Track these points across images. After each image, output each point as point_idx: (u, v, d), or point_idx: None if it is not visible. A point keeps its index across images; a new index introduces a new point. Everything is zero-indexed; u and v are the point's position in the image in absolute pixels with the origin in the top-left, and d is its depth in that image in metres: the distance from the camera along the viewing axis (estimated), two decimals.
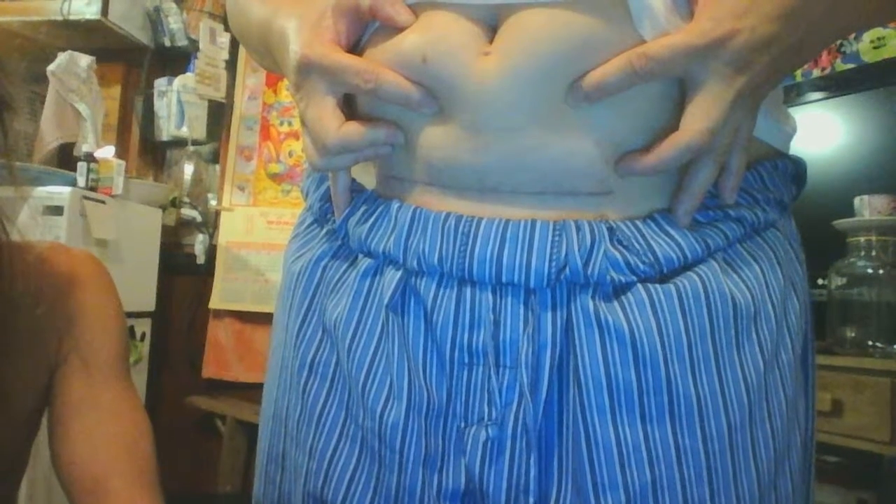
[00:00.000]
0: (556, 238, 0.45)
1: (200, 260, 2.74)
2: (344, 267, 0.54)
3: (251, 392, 2.51)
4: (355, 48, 0.49)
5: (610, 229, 0.46)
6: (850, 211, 1.53)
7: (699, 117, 0.42)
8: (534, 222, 0.46)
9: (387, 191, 0.52)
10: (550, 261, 0.45)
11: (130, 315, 0.72)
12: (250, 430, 2.49)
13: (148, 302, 2.52)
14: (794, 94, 1.81)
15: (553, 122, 0.45)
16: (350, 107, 0.51)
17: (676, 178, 0.47)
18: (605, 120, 0.45)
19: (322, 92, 0.47)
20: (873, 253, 1.46)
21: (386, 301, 0.50)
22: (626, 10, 0.43)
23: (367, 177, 0.54)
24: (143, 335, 2.50)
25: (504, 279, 0.46)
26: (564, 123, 0.45)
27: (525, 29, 0.44)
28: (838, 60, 1.77)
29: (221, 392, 2.61)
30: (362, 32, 0.50)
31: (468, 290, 0.47)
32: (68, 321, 0.65)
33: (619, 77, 0.42)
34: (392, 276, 0.50)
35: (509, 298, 0.47)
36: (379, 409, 0.50)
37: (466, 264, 0.46)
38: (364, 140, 0.47)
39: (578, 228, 0.45)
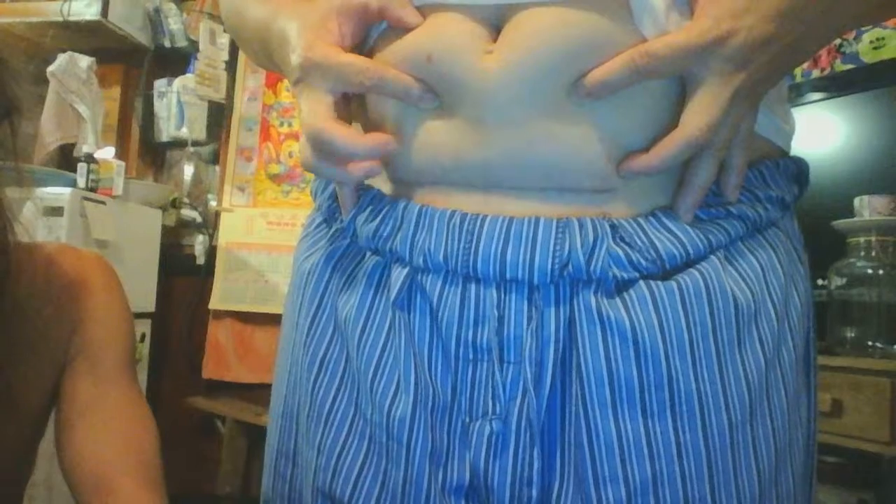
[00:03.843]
0: (560, 235, 0.46)
1: (200, 261, 2.74)
2: (353, 265, 0.55)
3: (251, 393, 2.51)
4: (360, 50, 0.50)
5: (612, 226, 0.46)
6: (849, 211, 1.53)
7: (698, 114, 0.43)
8: (537, 220, 0.46)
9: (393, 190, 0.53)
10: (553, 257, 0.46)
11: None
12: (250, 431, 2.49)
13: (148, 303, 2.53)
14: (793, 95, 1.81)
15: (556, 119, 0.45)
16: (361, 109, 0.51)
17: (678, 175, 0.47)
18: (608, 117, 0.45)
19: (321, 91, 0.48)
20: (873, 253, 1.47)
21: (392, 298, 0.50)
22: (627, 8, 0.44)
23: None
24: (143, 336, 2.50)
25: (508, 276, 0.47)
26: (567, 120, 0.45)
27: (527, 27, 0.45)
28: (838, 61, 1.78)
29: (221, 393, 2.61)
30: (367, 34, 0.50)
31: (473, 287, 0.48)
32: (76, 323, 0.65)
33: (622, 74, 0.43)
34: (398, 274, 0.50)
35: (513, 295, 0.47)
36: (387, 404, 0.50)
37: (471, 261, 0.47)
38: (350, 146, 0.47)
39: (581, 226, 0.46)
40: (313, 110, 0.48)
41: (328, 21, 0.48)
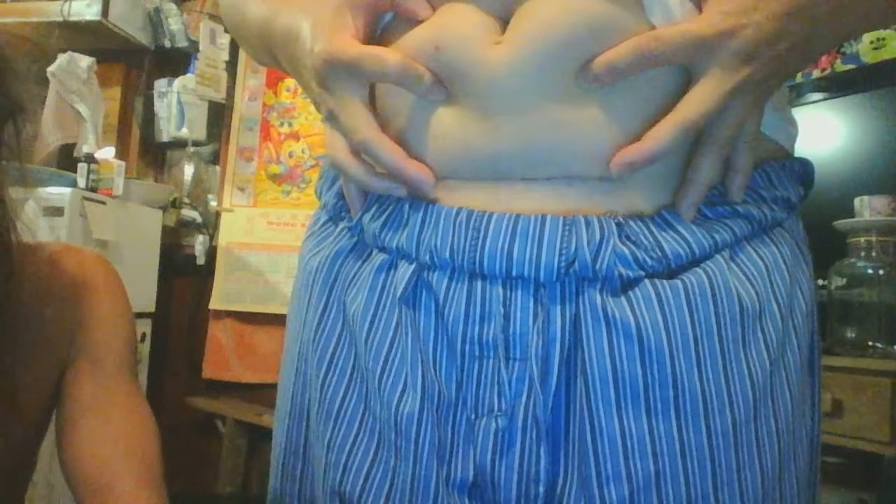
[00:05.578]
0: (566, 233, 0.46)
1: (201, 261, 2.74)
2: (360, 262, 0.55)
3: (251, 393, 2.51)
4: (370, 42, 0.50)
5: (618, 225, 0.46)
6: (850, 212, 1.53)
7: (697, 101, 0.43)
8: (544, 217, 0.47)
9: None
10: (560, 255, 0.46)
11: None
12: (250, 431, 2.49)
13: (148, 303, 2.53)
14: (794, 95, 1.81)
15: (563, 105, 0.45)
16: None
17: (683, 173, 0.47)
18: (615, 104, 0.45)
19: (352, 92, 0.48)
20: (873, 254, 1.47)
21: (399, 295, 0.50)
22: None
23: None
24: (144, 336, 2.50)
25: (514, 273, 0.47)
26: (574, 106, 0.45)
27: (536, 16, 0.45)
28: (838, 61, 1.78)
29: (221, 393, 2.61)
30: (377, 26, 0.50)
31: (479, 284, 0.48)
32: (78, 323, 0.65)
33: (629, 59, 0.43)
34: (405, 271, 0.50)
35: (519, 292, 0.47)
36: (395, 401, 0.50)
37: (477, 258, 0.47)
38: (394, 166, 0.49)
39: (588, 223, 0.46)
40: (352, 115, 0.48)
41: (341, 15, 0.48)
